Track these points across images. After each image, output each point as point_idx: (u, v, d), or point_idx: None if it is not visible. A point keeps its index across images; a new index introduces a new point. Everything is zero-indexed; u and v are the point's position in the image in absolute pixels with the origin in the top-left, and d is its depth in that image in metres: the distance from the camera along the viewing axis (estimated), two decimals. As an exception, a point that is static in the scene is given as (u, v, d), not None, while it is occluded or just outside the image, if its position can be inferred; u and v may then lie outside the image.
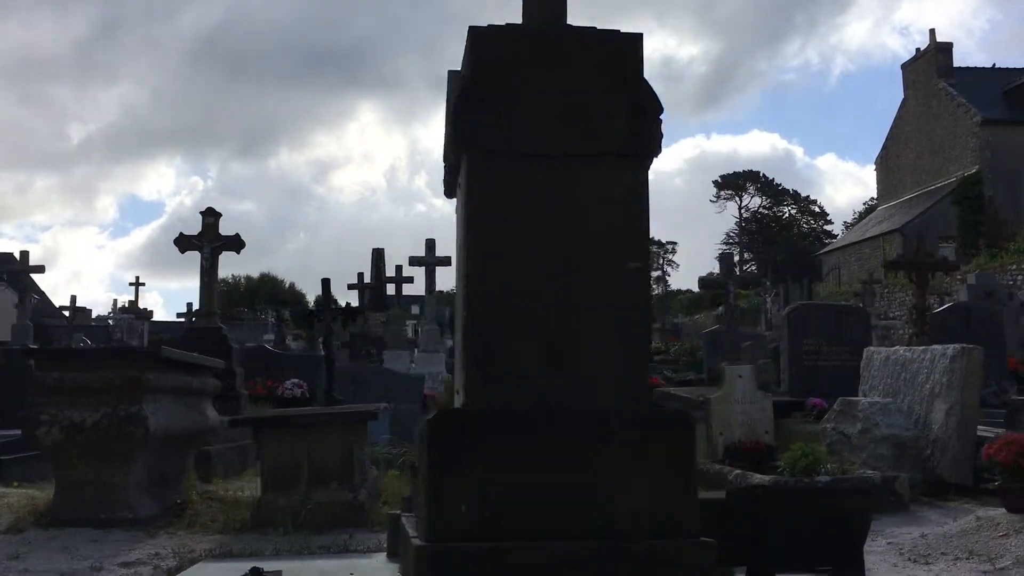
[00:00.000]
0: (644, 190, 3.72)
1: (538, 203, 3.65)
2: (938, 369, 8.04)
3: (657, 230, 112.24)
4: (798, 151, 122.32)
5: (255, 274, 74.65)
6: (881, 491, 7.14)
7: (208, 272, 11.25)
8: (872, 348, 9.49)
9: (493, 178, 3.65)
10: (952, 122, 40.84)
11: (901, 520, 6.79)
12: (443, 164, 4.10)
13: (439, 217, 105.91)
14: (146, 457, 6.54)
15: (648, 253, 3.72)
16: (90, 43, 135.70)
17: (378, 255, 34.13)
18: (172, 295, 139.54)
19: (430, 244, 27.72)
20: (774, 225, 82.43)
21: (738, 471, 7.93)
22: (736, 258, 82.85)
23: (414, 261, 29.19)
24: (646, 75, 3.78)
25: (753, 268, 78.13)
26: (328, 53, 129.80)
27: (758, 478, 7.41)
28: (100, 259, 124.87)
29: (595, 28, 3.82)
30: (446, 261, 28.28)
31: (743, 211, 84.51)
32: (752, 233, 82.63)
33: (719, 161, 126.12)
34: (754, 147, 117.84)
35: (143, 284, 32.73)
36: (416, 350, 16.63)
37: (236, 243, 11.44)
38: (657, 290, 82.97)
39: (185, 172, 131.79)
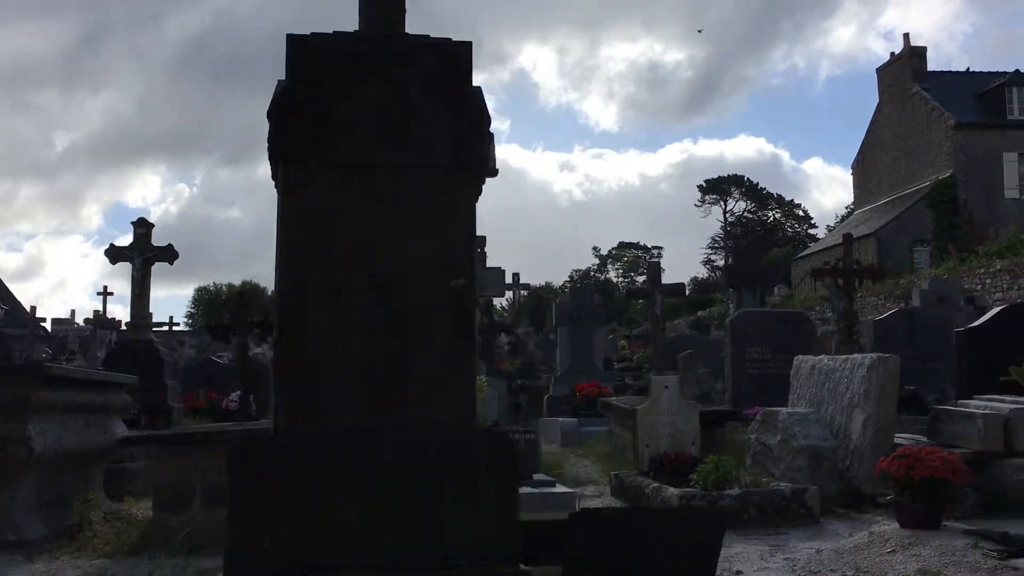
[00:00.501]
0: (470, 205, 3.59)
1: (356, 218, 3.52)
2: (856, 379, 7.94)
3: (643, 235, 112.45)
4: (784, 155, 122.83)
5: (245, 281, 74.42)
6: (790, 504, 7.05)
7: (139, 283, 11.10)
8: (801, 357, 9.40)
9: (308, 191, 3.52)
10: (926, 126, 40.93)
11: (807, 534, 6.68)
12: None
13: None
14: (35, 477, 6.39)
15: (474, 270, 3.60)
16: (75, 50, 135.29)
17: None
18: (160, 303, 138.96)
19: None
20: (759, 229, 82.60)
21: (655, 485, 7.81)
22: (721, 262, 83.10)
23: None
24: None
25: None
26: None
27: (671, 492, 7.30)
28: (85, 268, 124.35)
29: (424, 36, 3.70)
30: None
31: (728, 215, 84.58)
32: (737, 237, 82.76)
33: (706, 165, 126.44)
34: (741, 151, 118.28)
35: (111, 293, 32.48)
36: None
37: (169, 254, 11.30)
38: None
39: (171, 180, 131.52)
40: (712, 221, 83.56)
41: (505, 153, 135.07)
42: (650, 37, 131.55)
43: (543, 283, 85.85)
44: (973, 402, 7.95)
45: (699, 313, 41.64)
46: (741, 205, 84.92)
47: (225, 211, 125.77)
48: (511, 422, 10.72)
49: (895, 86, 43.19)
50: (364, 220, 3.52)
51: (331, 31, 3.70)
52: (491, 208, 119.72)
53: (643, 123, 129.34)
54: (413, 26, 3.77)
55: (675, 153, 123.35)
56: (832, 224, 66.30)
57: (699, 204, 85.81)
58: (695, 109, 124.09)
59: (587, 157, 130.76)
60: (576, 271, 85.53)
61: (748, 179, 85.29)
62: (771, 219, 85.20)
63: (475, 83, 3.84)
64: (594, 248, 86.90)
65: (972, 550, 4.99)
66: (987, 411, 7.38)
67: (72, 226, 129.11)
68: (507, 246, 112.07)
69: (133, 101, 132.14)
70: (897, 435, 8.70)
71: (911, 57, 42.18)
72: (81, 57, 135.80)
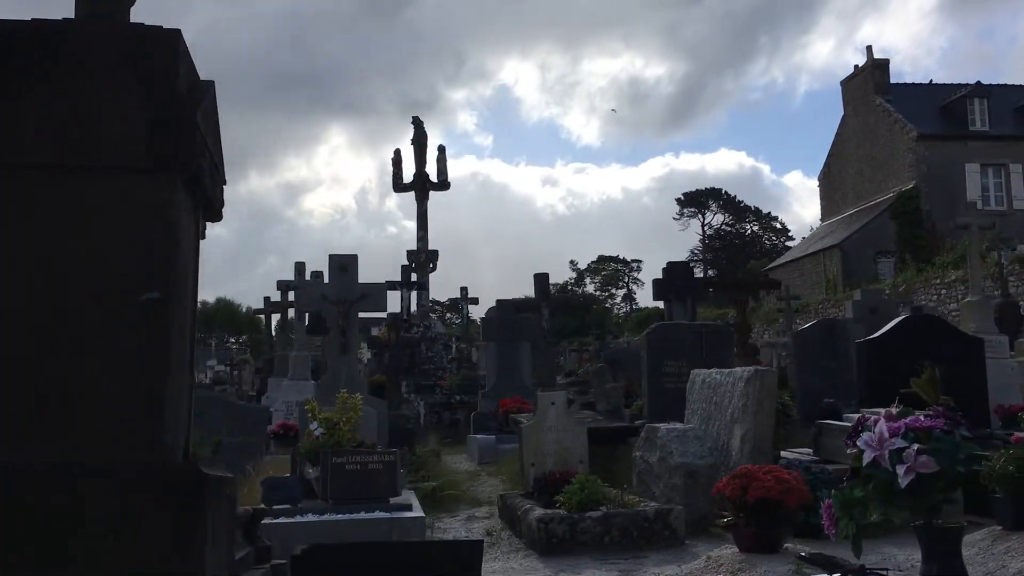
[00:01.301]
0: (169, 210, 3.28)
1: (33, 224, 3.20)
2: (736, 393, 7.68)
3: (625, 248, 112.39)
4: (765, 168, 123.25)
5: (219, 298, 73.74)
6: (654, 525, 6.76)
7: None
8: (696, 371, 9.12)
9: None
10: (889, 138, 40.95)
11: (666, 557, 6.40)
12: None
13: (411, 239, 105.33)
14: None
15: (177, 281, 3.29)
16: None
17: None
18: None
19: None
20: (737, 242, 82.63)
21: (527, 506, 7.52)
22: (700, 274, 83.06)
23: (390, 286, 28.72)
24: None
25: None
26: (296, 76, 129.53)
27: (535, 514, 7.00)
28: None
29: (123, 22, 3.40)
30: (423, 285, 27.82)
31: (706, 228, 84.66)
32: (716, 250, 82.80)
33: (687, 179, 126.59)
34: (722, 165, 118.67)
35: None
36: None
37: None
38: (625, 308, 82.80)
39: None
40: (691, 234, 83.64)
41: (488, 168, 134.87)
42: (630, 52, 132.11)
43: (523, 296, 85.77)
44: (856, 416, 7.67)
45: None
46: (719, 218, 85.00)
47: (208, 228, 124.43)
48: (405, 443, 10.39)
49: (859, 99, 43.25)
50: (46, 226, 3.21)
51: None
52: (472, 223, 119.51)
53: (625, 138, 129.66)
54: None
55: (657, 167, 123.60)
56: (806, 236, 66.39)
57: (677, 217, 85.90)
58: (676, 123, 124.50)
59: (569, 172, 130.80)
60: (554, 285, 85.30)
61: (726, 192, 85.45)
62: (749, 232, 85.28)
63: (203, 77, 3.56)
64: (571, 262, 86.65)
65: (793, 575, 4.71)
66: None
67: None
68: (490, 261, 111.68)
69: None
70: (786, 451, 8.45)
71: (874, 70, 42.24)
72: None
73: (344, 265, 8.67)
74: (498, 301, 16.32)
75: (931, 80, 43.44)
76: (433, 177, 26.61)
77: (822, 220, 47.87)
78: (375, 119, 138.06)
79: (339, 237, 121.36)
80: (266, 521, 6.43)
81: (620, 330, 46.35)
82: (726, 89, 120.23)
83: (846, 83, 44.72)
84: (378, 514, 6.59)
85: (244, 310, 74.02)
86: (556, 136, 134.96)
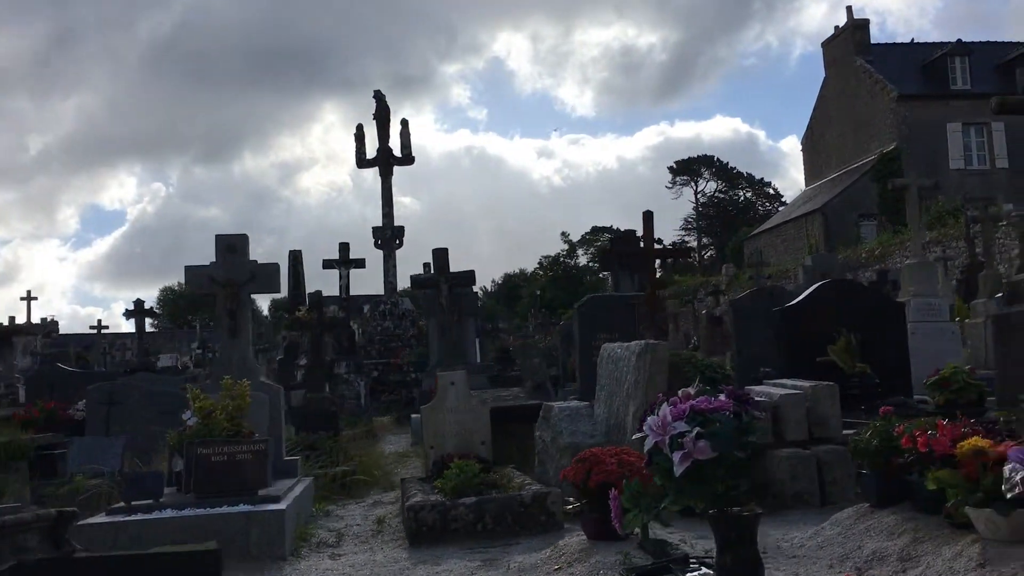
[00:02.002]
0: None
1: None
2: (631, 367, 7.35)
3: (620, 219, 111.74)
4: (760, 134, 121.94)
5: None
6: (530, 510, 6.45)
7: None
8: (606, 345, 8.79)
9: None
10: (870, 99, 40.40)
11: (536, 544, 6.06)
12: None
13: (408, 215, 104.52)
14: None
15: None
16: (46, 53, 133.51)
17: (295, 257, 33.70)
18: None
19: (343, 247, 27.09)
20: (731, 209, 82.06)
21: (414, 491, 7.22)
22: (694, 243, 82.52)
23: (327, 264, 28.52)
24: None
25: (712, 253, 77.84)
26: (289, 54, 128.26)
27: (419, 500, 6.70)
28: (62, 272, 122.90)
29: None
30: (360, 263, 27.60)
31: (699, 196, 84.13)
32: (710, 218, 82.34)
33: (682, 147, 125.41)
34: (717, 132, 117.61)
35: (35, 298, 31.34)
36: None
37: None
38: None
39: (146, 180, 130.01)
40: (685, 203, 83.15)
41: (483, 142, 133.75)
42: (623, 21, 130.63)
43: (518, 270, 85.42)
44: (756, 388, 7.37)
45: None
46: (712, 186, 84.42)
47: (204, 209, 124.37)
48: (328, 427, 10.09)
49: (839, 60, 42.63)
50: None
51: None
52: (467, 198, 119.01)
53: (619, 107, 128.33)
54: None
55: (652, 136, 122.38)
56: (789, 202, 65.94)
57: (670, 186, 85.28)
58: (670, 92, 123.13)
59: (564, 143, 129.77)
60: (545, 257, 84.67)
61: (718, 159, 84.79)
62: (742, 199, 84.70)
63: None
64: (563, 233, 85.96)
65: (619, 567, 4.40)
66: (762, 398, 6.82)
67: (48, 230, 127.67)
68: (486, 234, 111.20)
69: (105, 102, 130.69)
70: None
71: (854, 30, 41.59)
72: (52, 60, 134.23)
73: (232, 245, 8.31)
74: (411, 277, 15.98)
75: (912, 39, 42.73)
76: (397, 152, 26.21)
77: (806, 184, 47.41)
78: (369, 96, 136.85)
79: (336, 215, 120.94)
80: (114, 519, 6.14)
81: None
82: (720, 56, 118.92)
83: (827, 44, 44.09)
84: (242, 507, 6.29)
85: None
86: (550, 108, 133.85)
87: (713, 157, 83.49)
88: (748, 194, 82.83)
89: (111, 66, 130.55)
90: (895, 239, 28.23)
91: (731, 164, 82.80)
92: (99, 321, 33.90)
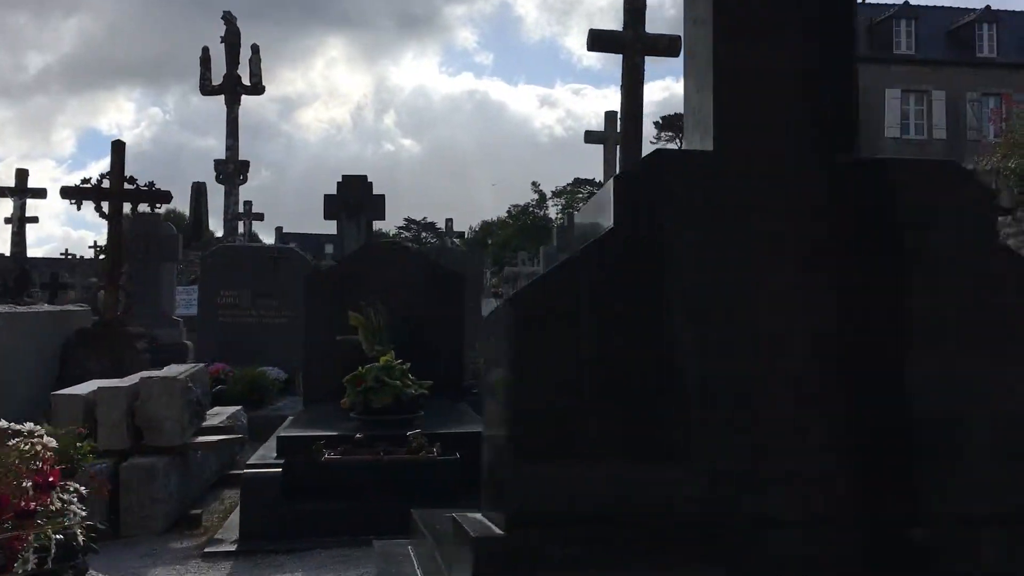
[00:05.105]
0: None
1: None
2: None
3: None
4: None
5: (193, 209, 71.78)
6: None
7: None
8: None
9: None
10: (811, 59, 38.32)
11: None
12: None
13: (407, 157, 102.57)
14: None
15: None
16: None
17: (198, 190, 32.35)
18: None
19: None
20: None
21: None
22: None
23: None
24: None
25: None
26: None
27: None
28: (56, 194, 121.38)
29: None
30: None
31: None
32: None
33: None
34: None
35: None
36: None
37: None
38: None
39: (145, 105, 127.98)
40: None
41: (487, 86, 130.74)
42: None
43: (495, 218, 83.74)
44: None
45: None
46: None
47: (201, 139, 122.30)
48: None
49: (786, 15, 40.43)
50: None
51: None
52: (466, 143, 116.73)
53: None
54: None
55: (657, 91, 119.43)
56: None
57: (655, 141, 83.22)
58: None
59: (567, 92, 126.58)
60: (515, 206, 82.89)
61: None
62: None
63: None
64: (533, 183, 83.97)
65: None
66: (75, 393, 5.41)
67: (44, 150, 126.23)
68: (484, 180, 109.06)
69: (106, 24, 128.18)
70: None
71: (803, -15, 39.33)
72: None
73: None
74: (134, 215, 14.51)
75: (863, 0, 40.39)
76: (246, 80, 24.56)
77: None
78: (372, 33, 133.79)
79: (336, 153, 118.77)
80: None
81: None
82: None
83: None
84: None
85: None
86: (556, 57, 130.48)
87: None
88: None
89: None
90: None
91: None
92: (67, 250, 32.41)
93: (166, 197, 7.44)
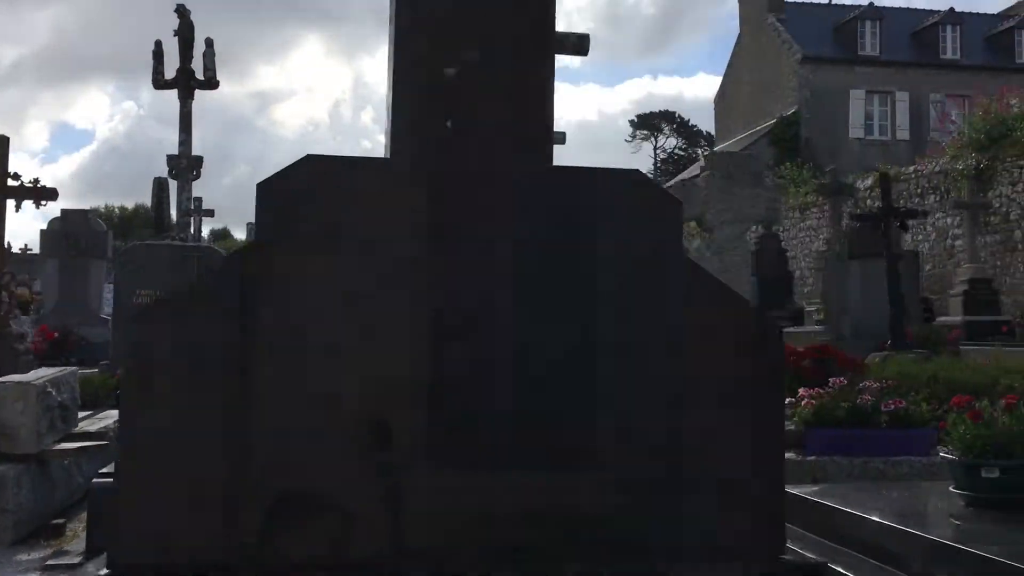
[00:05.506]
0: None
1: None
2: None
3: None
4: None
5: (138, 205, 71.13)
6: None
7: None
8: None
9: None
10: (777, 60, 38.45)
11: None
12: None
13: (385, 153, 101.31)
14: None
15: None
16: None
17: (160, 185, 31.92)
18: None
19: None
20: (688, 166, 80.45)
21: None
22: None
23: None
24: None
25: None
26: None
27: None
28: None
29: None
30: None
31: (659, 152, 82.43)
32: (670, 174, 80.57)
33: (665, 103, 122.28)
34: (700, 91, 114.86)
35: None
36: None
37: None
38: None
39: (118, 99, 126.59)
40: (644, 157, 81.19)
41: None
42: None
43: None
44: None
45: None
46: (672, 142, 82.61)
47: (175, 134, 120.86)
48: None
49: (754, 17, 40.52)
50: None
51: None
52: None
53: (603, 59, 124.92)
54: None
55: (635, 90, 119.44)
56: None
57: (629, 140, 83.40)
58: (655, 47, 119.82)
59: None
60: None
61: (679, 116, 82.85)
62: (700, 157, 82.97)
63: None
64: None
65: None
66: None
67: (16, 144, 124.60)
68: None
69: (81, 17, 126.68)
70: None
71: (770, -15, 39.45)
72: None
73: None
74: (63, 212, 14.40)
75: (831, 0, 40.53)
76: (199, 75, 24.31)
77: (716, 144, 45.63)
78: (350, 28, 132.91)
79: (313, 149, 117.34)
80: None
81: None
82: (707, 15, 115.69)
83: (743, 1, 41.87)
84: None
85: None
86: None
87: (674, 113, 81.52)
88: (706, 152, 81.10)
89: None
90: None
91: (691, 122, 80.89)
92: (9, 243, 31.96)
93: (52, 195, 7.33)
